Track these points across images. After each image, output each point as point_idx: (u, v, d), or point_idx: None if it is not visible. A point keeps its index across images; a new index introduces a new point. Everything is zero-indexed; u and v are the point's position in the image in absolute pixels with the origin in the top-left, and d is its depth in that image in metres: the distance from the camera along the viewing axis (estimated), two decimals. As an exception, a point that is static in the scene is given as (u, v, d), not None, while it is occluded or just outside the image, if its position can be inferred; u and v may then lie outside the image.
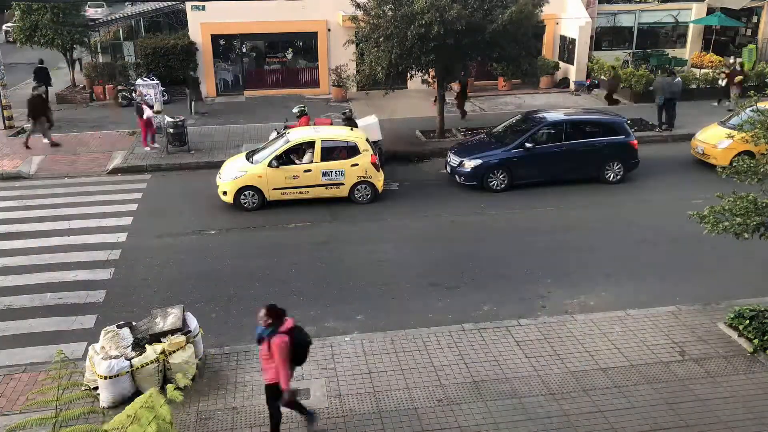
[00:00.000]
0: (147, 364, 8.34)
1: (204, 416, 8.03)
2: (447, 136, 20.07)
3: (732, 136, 15.61)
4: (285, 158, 15.08)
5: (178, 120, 19.03)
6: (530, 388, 8.45)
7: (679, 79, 20.95)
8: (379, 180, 15.43)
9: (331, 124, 17.53)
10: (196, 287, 11.52)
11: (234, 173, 15.13)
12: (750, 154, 15.30)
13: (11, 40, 35.91)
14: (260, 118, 22.90)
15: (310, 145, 15.20)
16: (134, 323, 9.05)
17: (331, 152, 15.24)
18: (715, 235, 8.93)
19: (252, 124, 22.06)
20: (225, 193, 15.07)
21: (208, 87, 26.34)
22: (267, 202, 15.05)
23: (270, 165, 14.89)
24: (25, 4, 24.45)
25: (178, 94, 25.72)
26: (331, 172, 15.05)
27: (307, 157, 15.24)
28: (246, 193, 14.93)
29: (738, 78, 22.41)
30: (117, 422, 4.93)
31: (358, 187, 15.25)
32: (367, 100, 24.88)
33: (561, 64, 27.29)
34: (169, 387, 5.13)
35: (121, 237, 13.63)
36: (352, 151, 15.24)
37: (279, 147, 15.21)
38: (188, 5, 25.58)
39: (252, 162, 15.25)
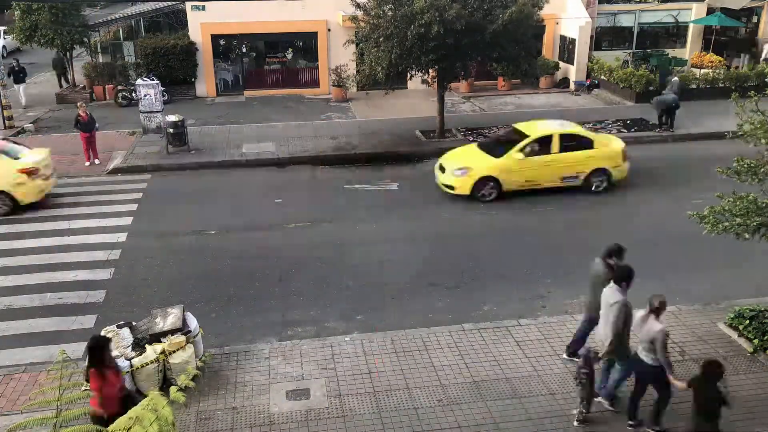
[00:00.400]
0: (147, 364, 8.34)
1: (204, 416, 8.03)
2: (447, 136, 20.08)
3: None
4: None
5: (177, 120, 19.03)
6: (530, 388, 8.46)
7: (677, 78, 20.96)
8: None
9: None
10: (196, 287, 11.53)
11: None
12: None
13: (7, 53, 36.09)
14: (261, 118, 22.93)
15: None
16: (134, 323, 9.06)
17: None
18: (714, 235, 8.94)
19: (252, 124, 22.07)
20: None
21: (207, 87, 26.37)
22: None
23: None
24: (25, 4, 24.46)
25: (178, 94, 25.75)
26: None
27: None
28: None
29: None
30: (119, 424, 4.92)
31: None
32: (367, 100, 24.90)
33: (561, 64, 27.31)
34: (173, 389, 5.12)
35: (121, 237, 13.63)
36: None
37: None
38: (188, 5, 25.58)
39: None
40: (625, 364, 7.90)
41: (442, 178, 15.69)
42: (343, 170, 17.90)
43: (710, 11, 27.64)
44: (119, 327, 8.80)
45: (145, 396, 5.65)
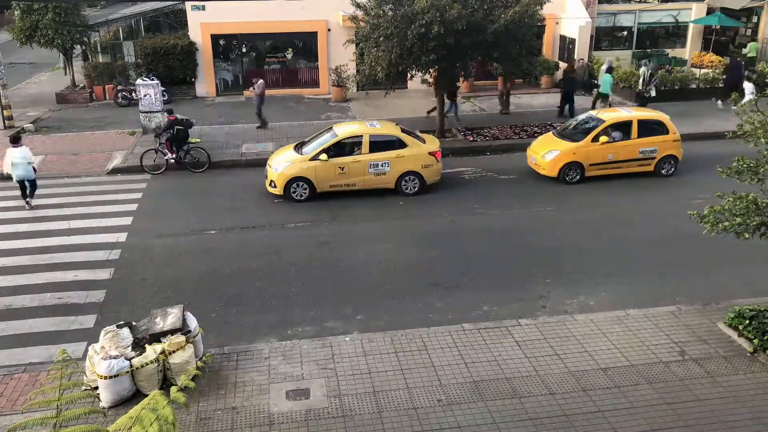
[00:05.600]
0: (147, 364, 8.34)
1: (204, 416, 8.03)
2: (447, 136, 20.07)
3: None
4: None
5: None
6: (530, 388, 8.45)
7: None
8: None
9: None
10: (196, 287, 11.52)
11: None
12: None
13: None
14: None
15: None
16: (134, 323, 9.06)
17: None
18: (714, 235, 8.95)
19: (252, 124, 22.05)
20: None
21: (207, 87, 26.37)
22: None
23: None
24: (25, 4, 24.46)
25: (178, 94, 25.74)
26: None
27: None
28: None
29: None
30: (119, 424, 4.93)
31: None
32: (367, 100, 24.89)
33: (561, 64, 27.28)
34: (173, 389, 5.13)
35: (121, 237, 13.63)
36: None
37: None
38: (188, 5, 25.57)
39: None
40: None
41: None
42: (343, 170, 17.89)
43: (710, 11, 27.64)
44: (119, 327, 8.80)
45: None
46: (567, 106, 22.54)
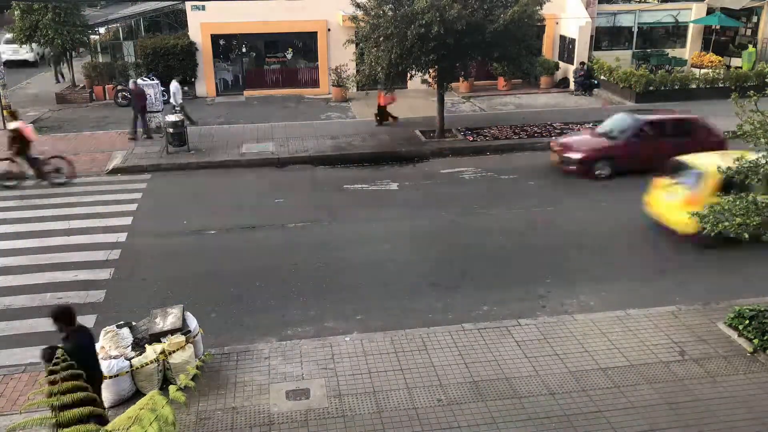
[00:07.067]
0: (147, 364, 8.34)
1: (204, 416, 8.03)
2: (447, 136, 20.09)
3: None
4: None
5: (177, 120, 19.03)
6: (530, 388, 8.45)
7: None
8: None
9: None
10: (196, 287, 11.52)
11: None
12: None
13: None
14: (260, 118, 22.93)
15: None
16: (134, 323, 9.06)
17: None
18: (714, 235, 8.96)
19: (252, 124, 22.07)
20: None
21: (207, 87, 26.37)
22: None
23: None
24: (25, 4, 24.46)
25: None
26: None
27: None
28: None
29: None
30: (118, 423, 4.92)
31: None
32: (367, 100, 24.90)
33: (561, 64, 27.32)
34: (172, 388, 5.12)
35: (121, 237, 13.63)
36: None
37: None
38: (188, 5, 25.59)
39: None
40: None
41: None
42: (343, 170, 17.91)
43: (710, 11, 27.66)
44: (119, 327, 8.80)
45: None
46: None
